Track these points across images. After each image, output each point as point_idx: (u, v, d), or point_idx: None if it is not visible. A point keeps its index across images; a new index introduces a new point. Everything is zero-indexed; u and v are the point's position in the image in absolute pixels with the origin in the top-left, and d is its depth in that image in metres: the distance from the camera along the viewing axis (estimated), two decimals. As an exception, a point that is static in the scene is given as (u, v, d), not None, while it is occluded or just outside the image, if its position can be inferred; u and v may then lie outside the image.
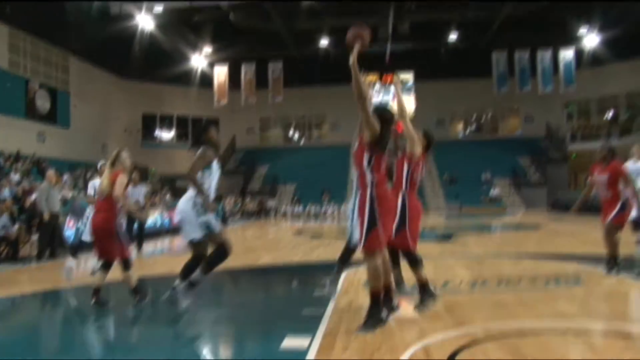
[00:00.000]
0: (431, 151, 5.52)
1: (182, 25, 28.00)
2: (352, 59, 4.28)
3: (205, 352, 4.57)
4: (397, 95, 5.75)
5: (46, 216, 10.65)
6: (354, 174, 4.63)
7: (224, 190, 31.99)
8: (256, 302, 6.46)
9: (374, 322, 4.44)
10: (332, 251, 11.65)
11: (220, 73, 30.93)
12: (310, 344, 4.12)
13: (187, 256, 5.55)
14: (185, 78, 32.64)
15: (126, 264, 5.87)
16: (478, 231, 16.98)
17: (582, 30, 30.03)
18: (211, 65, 31.86)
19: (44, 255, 10.92)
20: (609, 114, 34.00)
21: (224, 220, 24.63)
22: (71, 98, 27.82)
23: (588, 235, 13.18)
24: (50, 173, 11.47)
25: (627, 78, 31.72)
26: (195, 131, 36.79)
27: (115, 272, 5.99)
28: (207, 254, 5.46)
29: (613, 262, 6.99)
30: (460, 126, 38.98)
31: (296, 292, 7.48)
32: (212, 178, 5.54)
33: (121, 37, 25.47)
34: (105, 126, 30.84)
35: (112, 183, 5.91)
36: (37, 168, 21.11)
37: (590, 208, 9.59)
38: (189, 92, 34.27)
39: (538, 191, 32.81)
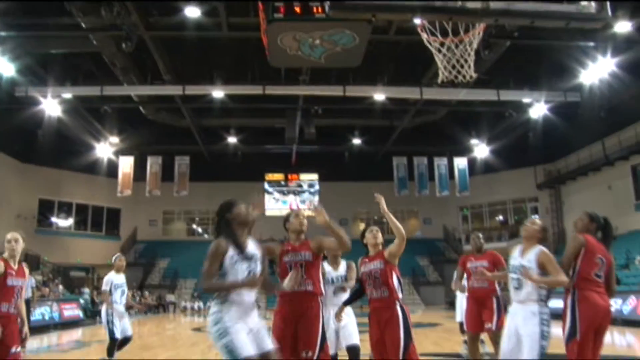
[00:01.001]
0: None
1: (90, 113, 27.76)
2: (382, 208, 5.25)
3: None
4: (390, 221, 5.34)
5: None
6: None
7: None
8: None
9: None
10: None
11: (126, 164, 30.52)
12: None
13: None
14: (89, 166, 31.98)
15: None
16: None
17: (474, 141, 32.71)
18: (116, 154, 31.45)
19: None
20: (499, 218, 36.57)
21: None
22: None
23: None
24: None
25: (514, 185, 34.64)
26: (94, 219, 35.69)
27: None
28: None
29: None
30: (362, 226, 40.11)
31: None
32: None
33: (26, 122, 24.97)
34: (-3, 211, 29.32)
35: None
36: None
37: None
38: (92, 179, 33.51)
39: (436, 289, 34.02)
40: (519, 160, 33.40)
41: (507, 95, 24.59)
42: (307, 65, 22.31)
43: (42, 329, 16.12)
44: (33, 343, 12.18)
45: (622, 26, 17.79)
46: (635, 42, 19.32)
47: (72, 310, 20.97)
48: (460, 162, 31.65)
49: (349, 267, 5.90)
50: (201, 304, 30.32)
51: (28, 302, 10.82)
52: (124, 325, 8.01)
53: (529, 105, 26.04)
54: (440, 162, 31.48)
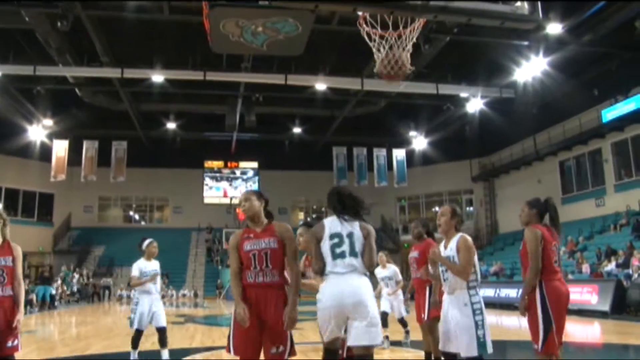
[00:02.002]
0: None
1: (21, 94, 26.68)
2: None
3: None
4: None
5: None
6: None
7: (55, 271, 29.96)
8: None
9: None
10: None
11: (60, 147, 29.44)
12: None
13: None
14: (20, 149, 30.74)
15: None
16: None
17: (412, 133, 33.37)
18: (50, 138, 30.29)
19: None
20: (436, 209, 37.46)
21: (52, 304, 22.97)
22: None
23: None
24: None
25: (450, 178, 35.58)
26: (25, 204, 34.44)
27: None
28: None
29: None
30: (301, 215, 40.31)
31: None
32: None
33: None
34: None
35: None
36: None
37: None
38: (23, 163, 32.28)
39: (373, 278, 34.52)
40: (455, 153, 34.34)
41: (446, 89, 25.21)
42: (249, 52, 22.18)
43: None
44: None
45: (554, 27, 18.62)
46: (565, 43, 20.19)
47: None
48: (399, 154, 32.15)
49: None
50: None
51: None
52: (157, 316, 7.32)
53: (466, 99, 26.78)
54: (380, 153, 31.87)
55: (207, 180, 38.33)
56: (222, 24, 12.70)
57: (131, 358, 7.12)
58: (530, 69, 22.67)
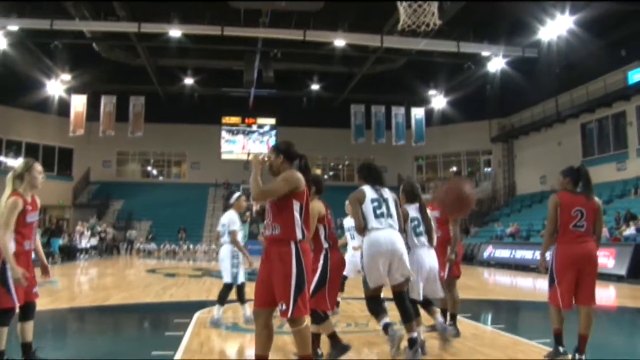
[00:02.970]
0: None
1: (39, 48, 26.64)
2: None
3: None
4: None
5: None
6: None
7: (74, 224, 30.42)
8: (102, 344, 6.18)
9: None
10: (184, 291, 11.61)
11: (78, 102, 29.52)
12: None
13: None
14: (39, 104, 30.81)
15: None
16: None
17: (432, 92, 32.95)
18: (68, 92, 30.36)
19: None
20: (453, 169, 37.26)
21: (74, 256, 23.40)
22: None
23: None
24: None
25: (469, 138, 35.20)
26: (45, 159, 34.77)
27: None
28: None
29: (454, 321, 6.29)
30: (318, 172, 40.29)
31: (146, 333, 7.39)
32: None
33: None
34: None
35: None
36: None
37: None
38: (42, 118, 32.44)
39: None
40: (474, 113, 33.82)
41: (467, 47, 24.74)
42: (268, 7, 21.93)
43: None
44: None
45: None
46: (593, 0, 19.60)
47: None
48: (418, 113, 31.83)
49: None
50: (154, 246, 30.22)
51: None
52: (240, 271, 7.11)
53: (488, 58, 26.27)
54: (398, 112, 31.60)
55: (224, 134, 38.37)
56: (241, -22, 12.48)
57: (216, 316, 6.77)
58: (555, 28, 22.10)
